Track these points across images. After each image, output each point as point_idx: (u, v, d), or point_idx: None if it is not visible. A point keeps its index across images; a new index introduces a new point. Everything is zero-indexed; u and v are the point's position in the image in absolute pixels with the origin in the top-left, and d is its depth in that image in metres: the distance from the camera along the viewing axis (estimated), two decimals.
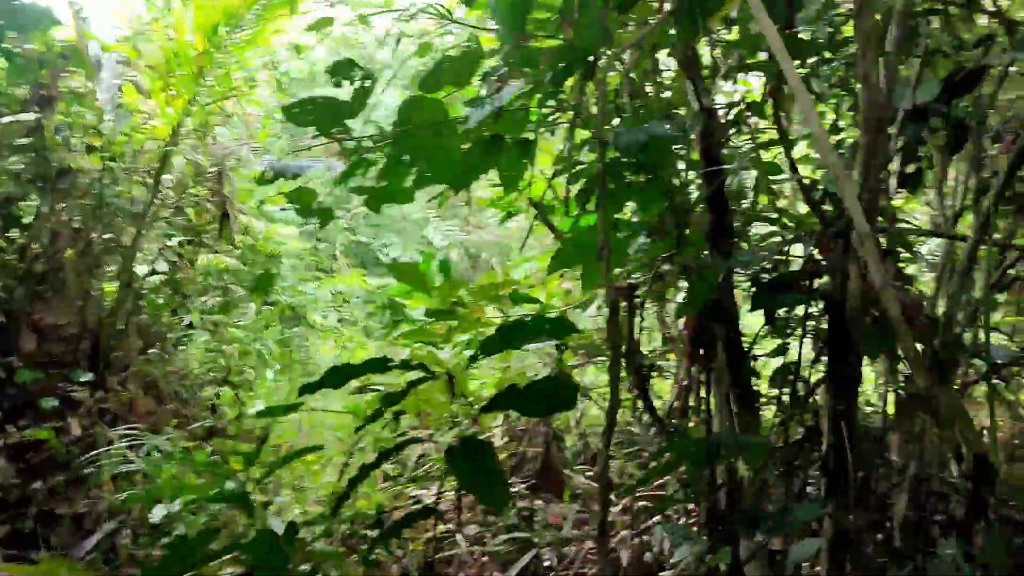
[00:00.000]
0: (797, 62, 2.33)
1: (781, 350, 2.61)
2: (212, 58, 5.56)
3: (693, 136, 2.40)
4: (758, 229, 2.93)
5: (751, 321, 2.61)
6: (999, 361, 2.37)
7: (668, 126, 2.07)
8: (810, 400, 2.35)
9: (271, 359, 6.54)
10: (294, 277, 6.67)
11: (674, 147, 2.35)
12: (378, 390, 4.87)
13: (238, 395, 6.27)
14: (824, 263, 2.02)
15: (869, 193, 1.81)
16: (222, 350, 6.42)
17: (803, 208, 2.65)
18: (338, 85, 2.17)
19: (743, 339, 2.48)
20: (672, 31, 2.27)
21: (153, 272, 5.81)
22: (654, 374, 4.10)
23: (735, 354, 2.43)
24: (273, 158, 2.14)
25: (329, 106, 2.07)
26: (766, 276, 2.30)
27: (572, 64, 1.95)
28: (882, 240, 2.28)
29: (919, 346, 1.83)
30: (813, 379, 2.35)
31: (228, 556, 2.05)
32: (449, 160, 2.10)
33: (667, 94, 2.94)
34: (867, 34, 1.78)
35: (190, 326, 6.15)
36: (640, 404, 2.83)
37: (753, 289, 2.19)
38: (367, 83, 2.14)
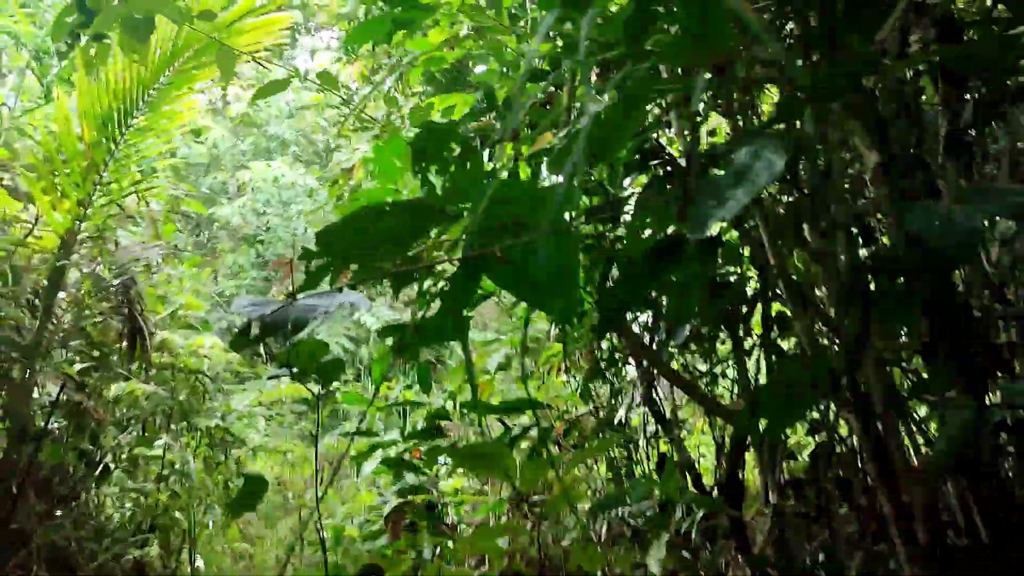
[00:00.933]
0: None
1: None
2: (106, 150, 4.63)
3: None
4: None
5: None
6: None
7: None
8: None
9: (204, 493, 5.50)
10: (219, 393, 5.67)
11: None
12: None
13: (169, 545, 5.21)
14: None
15: None
16: (144, 491, 5.36)
17: None
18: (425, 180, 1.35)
19: None
20: None
21: (51, 412, 4.75)
22: None
23: None
24: (248, 301, 1.37)
25: (399, 221, 1.22)
26: None
27: None
28: None
29: None
30: None
31: None
32: (561, 278, 1.30)
33: None
34: None
35: (103, 470, 5.08)
36: None
37: None
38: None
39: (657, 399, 3.63)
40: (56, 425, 4.87)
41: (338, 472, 7.56)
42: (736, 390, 3.01)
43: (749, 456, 3.05)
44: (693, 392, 2.33)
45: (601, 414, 4.19)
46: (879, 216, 1.84)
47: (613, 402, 4.13)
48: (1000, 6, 1.86)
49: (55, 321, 4.79)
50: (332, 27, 10.49)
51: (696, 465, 4.05)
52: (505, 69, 3.45)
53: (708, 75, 1.25)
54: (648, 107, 1.65)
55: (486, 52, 3.50)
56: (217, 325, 8.53)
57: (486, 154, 3.43)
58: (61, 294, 4.84)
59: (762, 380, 2.57)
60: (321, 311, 1.24)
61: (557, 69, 3.07)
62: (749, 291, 2.19)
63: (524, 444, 3.84)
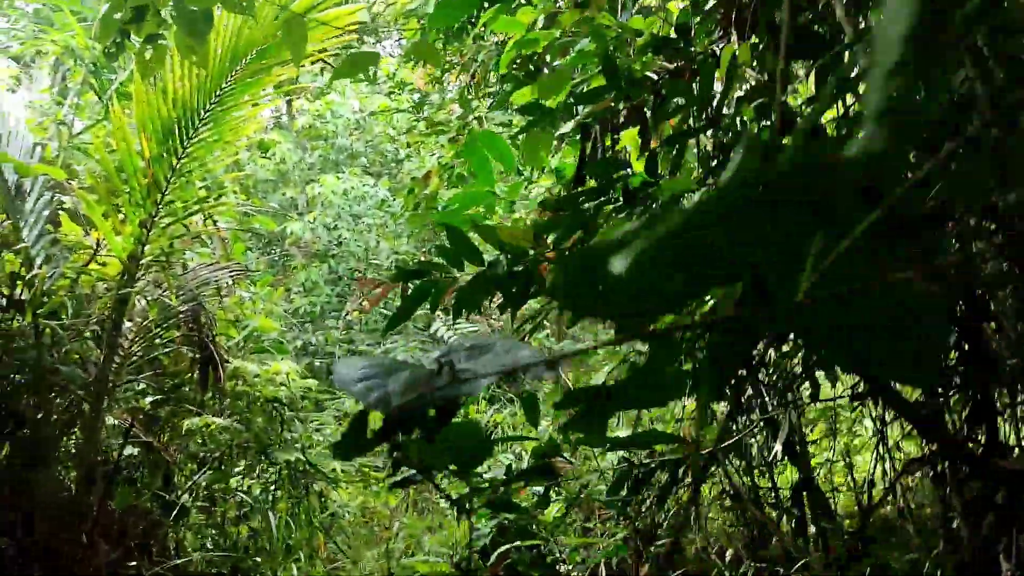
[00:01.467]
0: None
1: None
2: (167, 165, 4.26)
3: None
4: None
5: None
6: None
7: None
8: None
9: (286, 532, 5.10)
10: (300, 425, 5.26)
11: None
12: None
13: None
14: None
15: None
16: (225, 529, 5.00)
17: None
18: None
19: None
20: None
21: (121, 451, 4.41)
22: None
23: None
24: (359, 369, 0.92)
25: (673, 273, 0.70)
26: None
27: None
28: None
29: None
30: None
31: None
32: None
33: None
34: None
35: (180, 510, 4.71)
36: None
37: None
38: None
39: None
40: (127, 464, 4.52)
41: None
42: None
43: None
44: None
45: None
46: None
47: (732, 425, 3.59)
48: None
49: (122, 353, 4.44)
50: (396, 31, 10.10)
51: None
52: (611, 48, 2.91)
53: None
54: None
55: (583, 29, 2.99)
56: (291, 345, 8.20)
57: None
58: (127, 324, 4.50)
59: None
60: (480, 381, 0.74)
61: (686, 34, 2.54)
62: None
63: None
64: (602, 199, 2.27)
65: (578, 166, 2.63)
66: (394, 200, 10.46)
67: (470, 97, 6.87)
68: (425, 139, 8.18)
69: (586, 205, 2.30)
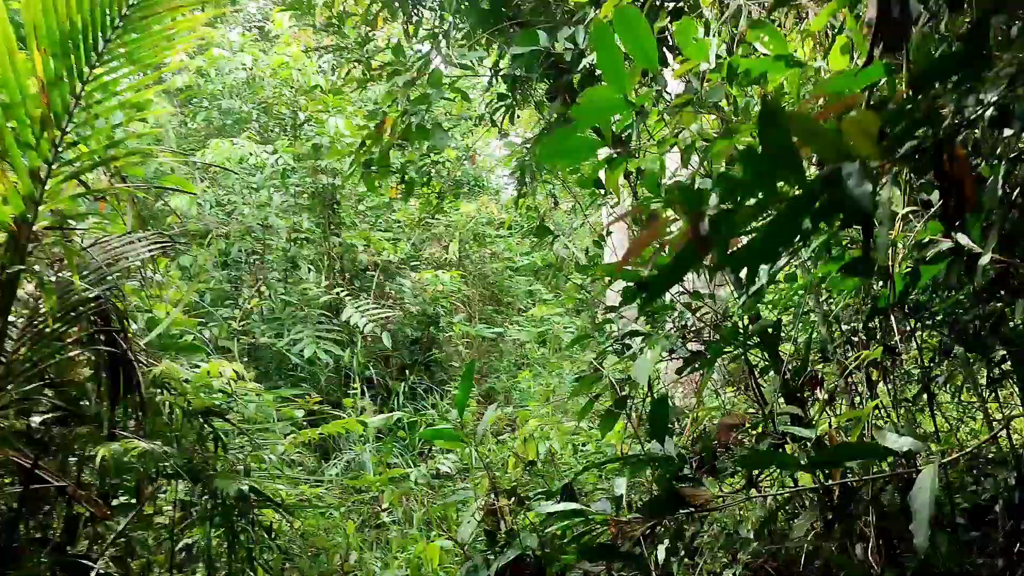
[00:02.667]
0: None
1: None
2: (68, 91, 3.00)
3: None
4: None
5: None
6: None
7: None
8: None
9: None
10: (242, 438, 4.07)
11: None
12: None
13: None
14: None
15: None
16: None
17: None
18: None
19: None
20: None
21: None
22: None
23: None
24: None
25: None
26: None
27: None
28: None
29: None
30: None
31: None
32: None
33: None
34: None
35: (79, 570, 3.45)
36: None
37: None
38: None
39: None
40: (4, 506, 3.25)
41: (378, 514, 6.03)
42: None
43: None
44: None
45: None
46: None
47: None
48: None
49: (4, 356, 3.16)
50: None
51: None
52: None
53: None
54: None
55: None
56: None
57: None
58: (10, 318, 3.20)
59: None
60: None
61: None
62: None
63: None
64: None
65: (873, 31, 1.68)
66: (294, 171, 9.15)
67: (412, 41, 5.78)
68: (338, 97, 7.00)
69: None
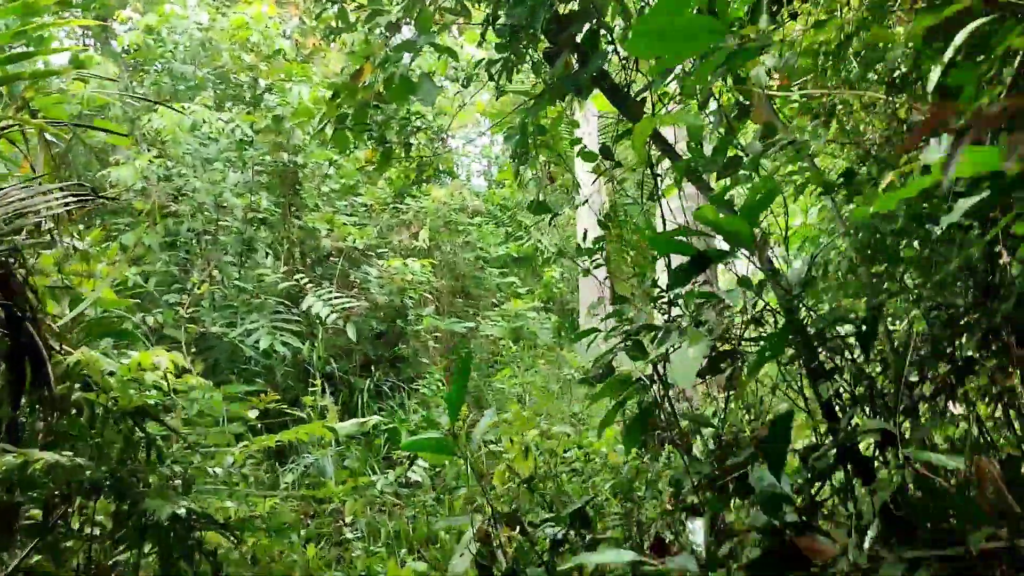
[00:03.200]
0: None
1: None
2: None
3: None
4: None
5: None
6: None
7: None
8: None
9: None
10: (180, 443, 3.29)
11: None
12: None
13: None
14: None
15: None
16: None
17: None
18: None
19: None
20: None
21: None
22: None
23: None
24: None
25: None
26: None
27: None
28: None
29: None
30: None
31: None
32: None
33: None
34: None
35: None
36: None
37: None
38: None
39: None
40: None
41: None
42: None
43: None
44: None
45: None
46: None
47: None
48: None
49: None
50: None
51: None
52: None
53: None
54: None
55: None
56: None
57: None
58: None
59: None
60: None
61: None
62: None
63: None
64: None
65: None
66: (252, 144, 8.31)
67: None
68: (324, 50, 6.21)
69: None
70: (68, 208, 2.79)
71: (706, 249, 2.41)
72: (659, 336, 3.93)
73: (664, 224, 4.43)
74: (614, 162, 4.46)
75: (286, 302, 8.41)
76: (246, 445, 3.57)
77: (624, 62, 4.66)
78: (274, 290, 8.37)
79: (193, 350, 7.10)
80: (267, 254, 8.58)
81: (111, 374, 2.97)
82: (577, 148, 4.90)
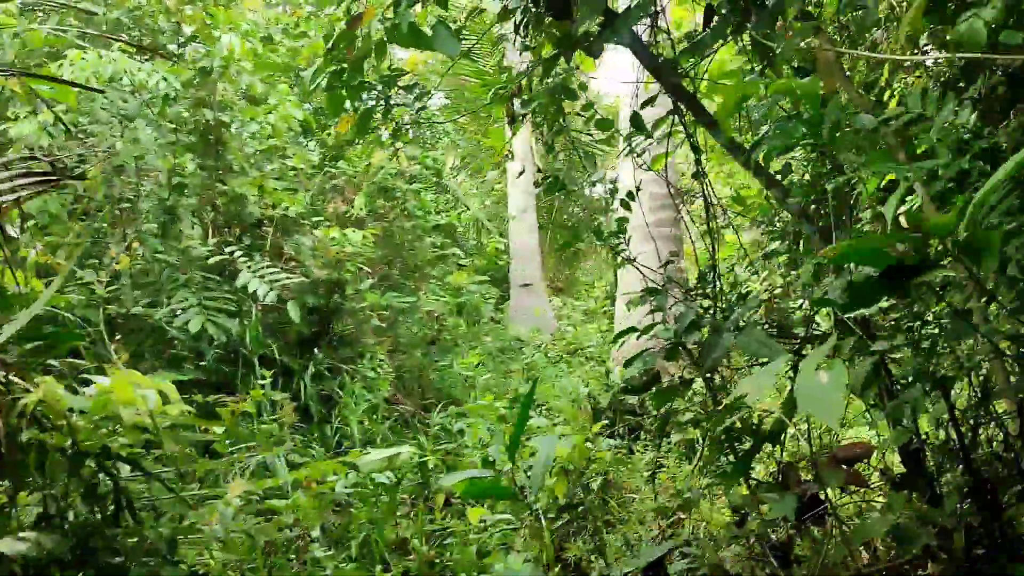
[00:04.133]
0: None
1: None
2: None
3: None
4: None
5: None
6: None
7: None
8: None
9: None
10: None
11: None
12: None
13: None
14: None
15: None
16: None
17: None
18: None
19: None
20: None
21: None
22: None
23: None
24: None
25: None
26: None
27: None
28: None
29: None
30: None
31: None
32: None
33: None
34: None
35: None
36: None
37: None
38: None
39: None
40: None
41: None
42: None
43: None
44: None
45: None
46: None
47: None
48: None
49: None
50: None
51: None
52: None
53: None
54: None
55: None
56: None
57: None
58: None
59: None
60: None
61: None
62: None
63: None
64: None
65: None
66: (176, 99, 7.34)
67: None
68: None
69: None
70: (18, 196, 2.03)
71: (904, 254, 1.86)
72: (707, 337, 3.44)
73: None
74: (646, 132, 3.90)
75: (216, 277, 7.53)
76: (249, 477, 2.85)
77: (654, 24, 4.08)
78: (202, 263, 7.47)
79: (117, 336, 6.21)
80: (193, 224, 7.65)
81: (82, 412, 2.24)
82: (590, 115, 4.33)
